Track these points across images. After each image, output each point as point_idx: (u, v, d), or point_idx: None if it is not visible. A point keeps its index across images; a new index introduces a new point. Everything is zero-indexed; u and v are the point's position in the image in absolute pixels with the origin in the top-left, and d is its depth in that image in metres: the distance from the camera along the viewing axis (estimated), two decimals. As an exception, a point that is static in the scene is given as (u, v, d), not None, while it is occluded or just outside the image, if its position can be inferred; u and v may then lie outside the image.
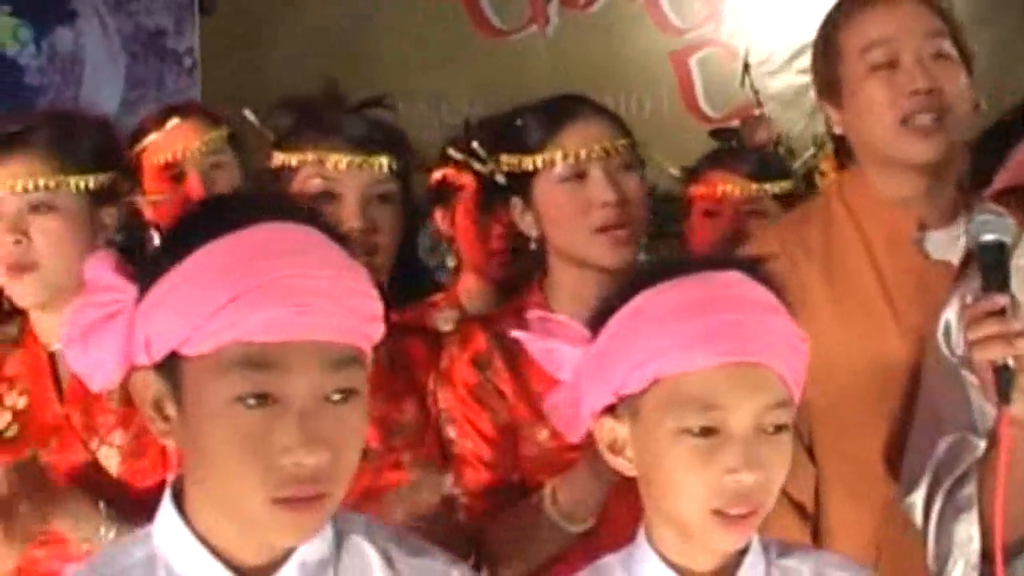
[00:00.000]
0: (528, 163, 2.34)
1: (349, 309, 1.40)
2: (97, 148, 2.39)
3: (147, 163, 2.97)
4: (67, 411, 2.36)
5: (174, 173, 3.02)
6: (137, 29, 5.55)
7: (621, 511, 2.17)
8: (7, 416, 2.35)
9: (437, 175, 3.04)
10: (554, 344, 1.65)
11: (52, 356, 2.37)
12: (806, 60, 2.55)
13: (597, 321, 1.64)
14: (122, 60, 5.53)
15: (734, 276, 1.59)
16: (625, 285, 1.64)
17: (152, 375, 1.45)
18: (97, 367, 1.49)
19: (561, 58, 5.87)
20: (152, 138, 2.99)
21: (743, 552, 1.61)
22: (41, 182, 2.29)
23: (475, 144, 2.47)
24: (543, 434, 2.28)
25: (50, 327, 2.34)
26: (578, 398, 1.65)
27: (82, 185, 2.32)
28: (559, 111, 2.38)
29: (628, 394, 1.59)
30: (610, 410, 1.64)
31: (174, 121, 3.03)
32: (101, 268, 1.49)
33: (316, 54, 5.64)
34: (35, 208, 2.29)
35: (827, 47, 2.43)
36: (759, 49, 5.61)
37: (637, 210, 2.33)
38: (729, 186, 3.20)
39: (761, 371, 1.55)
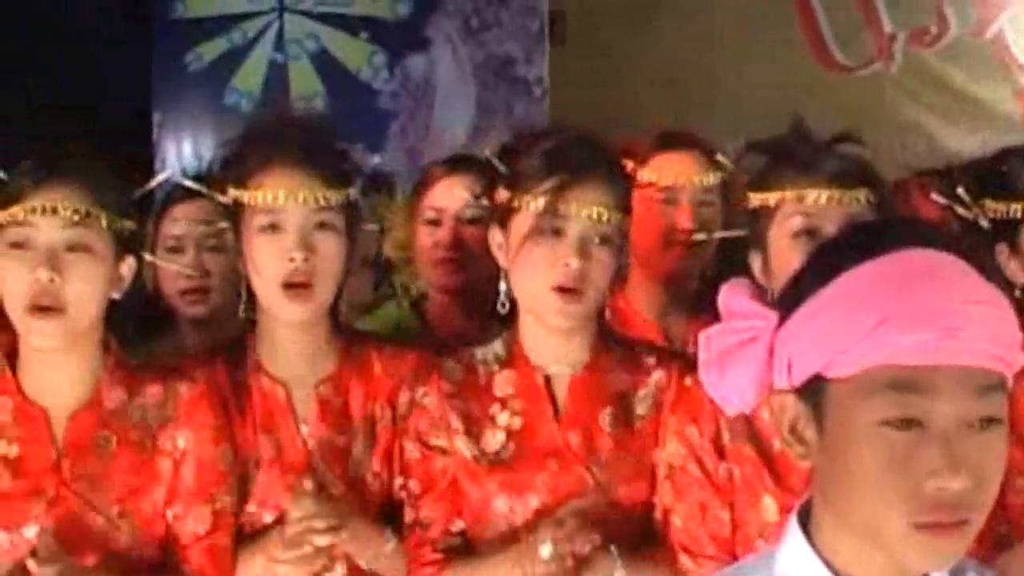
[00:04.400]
0: (1017, 209, 2.31)
1: (995, 335, 1.39)
2: None
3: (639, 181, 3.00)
4: (564, 433, 2.40)
5: (667, 197, 3.06)
6: (488, 57, 5.65)
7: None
8: (501, 436, 2.40)
9: None
10: None
11: (547, 379, 2.42)
12: None
13: None
14: (472, 87, 5.63)
15: None
16: None
17: (791, 399, 1.45)
18: (733, 391, 1.49)
19: (904, 95, 5.79)
20: (652, 161, 3.05)
21: None
22: (606, 216, 2.38)
23: (960, 190, 2.43)
24: None
25: (547, 351, 2.42)
26: None
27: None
28: None
29: None
30: None
31: (684, 153, 3.08)
32: (739, 295, 1.50)
33: (663, 86, 5.68)
34: (594, 240, 2.38)
35: None
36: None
37: None
38: None
39: None
